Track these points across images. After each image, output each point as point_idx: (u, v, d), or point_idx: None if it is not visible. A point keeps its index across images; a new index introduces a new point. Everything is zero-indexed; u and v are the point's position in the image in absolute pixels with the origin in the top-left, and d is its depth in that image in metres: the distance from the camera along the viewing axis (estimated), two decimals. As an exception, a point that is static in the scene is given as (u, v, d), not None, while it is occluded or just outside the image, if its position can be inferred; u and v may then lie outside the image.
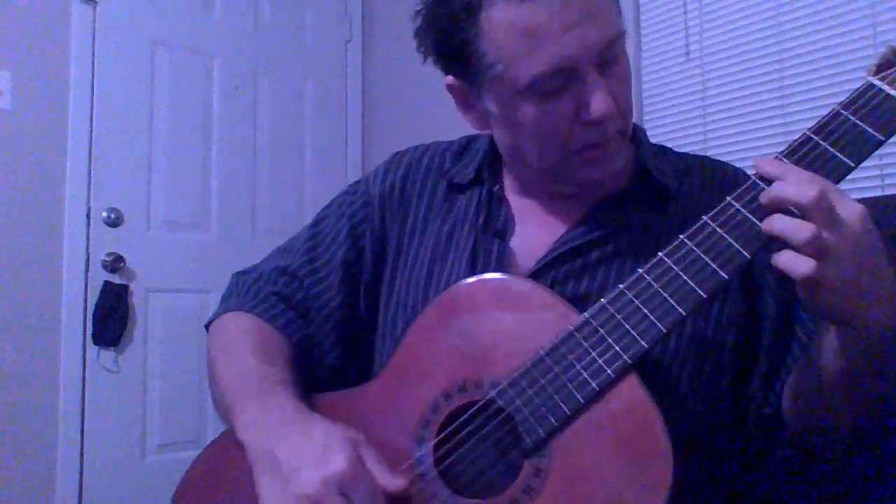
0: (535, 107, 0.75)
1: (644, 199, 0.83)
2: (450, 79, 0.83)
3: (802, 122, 1.81)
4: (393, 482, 0.67)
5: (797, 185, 0.60)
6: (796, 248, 0.59)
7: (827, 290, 0.59)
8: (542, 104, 0.75)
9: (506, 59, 0.74)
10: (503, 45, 0.73)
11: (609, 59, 0.75)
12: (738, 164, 0.91)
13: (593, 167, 0.79)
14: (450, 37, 0.77)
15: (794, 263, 0.59)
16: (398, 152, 0.98)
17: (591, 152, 0.77)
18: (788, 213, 0.60)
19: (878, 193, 1.67)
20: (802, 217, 0.59)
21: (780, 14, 1.87)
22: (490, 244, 0.84)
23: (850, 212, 0.60)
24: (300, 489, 0.64)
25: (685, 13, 2.05)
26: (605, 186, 0.83)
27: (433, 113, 2.64)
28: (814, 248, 0.58)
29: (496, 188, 0.88)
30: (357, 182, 0.98)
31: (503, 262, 0.82)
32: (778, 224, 0.61)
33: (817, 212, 0.58)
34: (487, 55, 0.75)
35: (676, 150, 0.92)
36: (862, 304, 0.60)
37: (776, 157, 0.65)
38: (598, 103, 0.73)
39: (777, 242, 0.61)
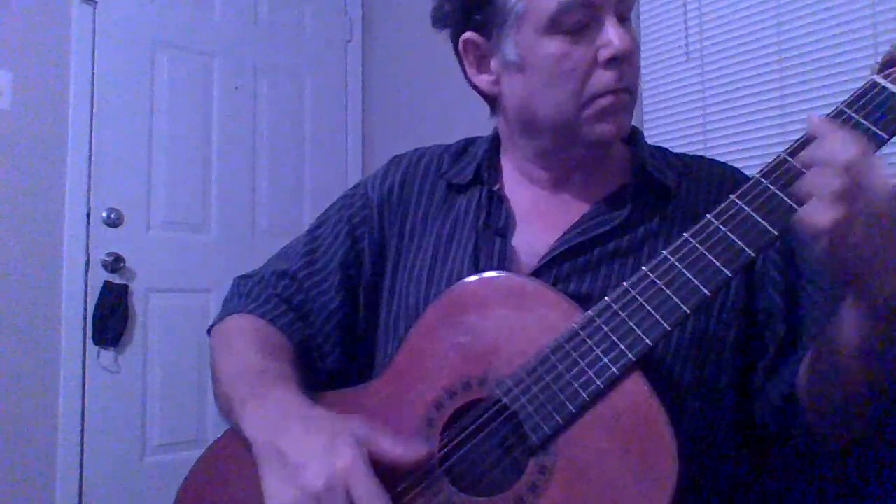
0: (556, 45, 0.77)
1: (644, 197, 0.84)
2: (466, 35, 0.84)
3: (802, 122, 1.81)
4: (415, 451, 0.68)
5: (842, 142, 0.59)
6: (822, 202, 0.58)
7: (846, 247, 0.58)
8: (562, 42, 0.77)
9: None
10: None
11: (624, 13, 0.78)
12: (738, 164, 0.91)
13: (604, 120, 0.79)
14: None
15: (815, 212, 0.58)
16: (396, 155, 0.99)
17: (604, 101, 0.78)
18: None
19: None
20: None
21: (780, 14, 1.87)
22: (491, 243, 0.84)
23: (881, 181, 0.58)
24: (305, 486, 0.64)
25: (685, 13, 2.05)
26: (612, 146, 0.84)
27: (433, 112, 2.64)
28: (842, 200, 0.57)
29: (496, 187, 0.88)
30: (356, 186, 0.98)
31: (505, 261, 0.82)
32: (809, 180, 0.60)
33: (853, 170, 0.57)
34: None
35: (676, 150, 0.93)
36: (879, 270, 0.59)
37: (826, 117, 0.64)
38: (619, 38, 0.76)
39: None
